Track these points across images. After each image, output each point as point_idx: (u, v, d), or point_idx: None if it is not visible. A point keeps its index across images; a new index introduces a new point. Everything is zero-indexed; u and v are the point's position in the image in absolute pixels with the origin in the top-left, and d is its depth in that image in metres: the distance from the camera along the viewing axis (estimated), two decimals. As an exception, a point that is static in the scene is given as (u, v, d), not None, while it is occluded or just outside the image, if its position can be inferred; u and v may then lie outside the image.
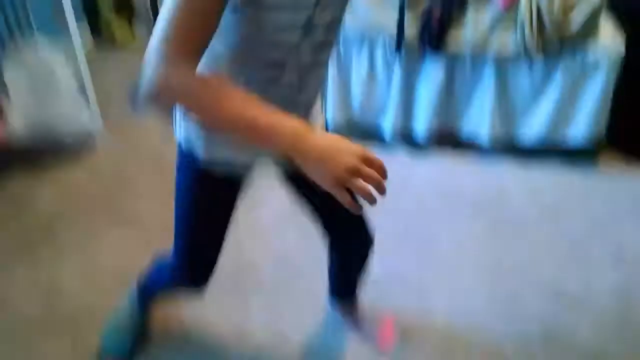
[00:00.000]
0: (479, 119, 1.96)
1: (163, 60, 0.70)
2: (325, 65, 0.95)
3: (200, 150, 0.94)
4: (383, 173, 0.70)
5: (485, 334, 1.43)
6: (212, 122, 0.74)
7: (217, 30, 0.74)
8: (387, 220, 1.78)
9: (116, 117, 2.27)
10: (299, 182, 1.10)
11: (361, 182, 0.68)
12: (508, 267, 1.62)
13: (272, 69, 0.85)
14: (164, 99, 0.73)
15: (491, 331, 1.44)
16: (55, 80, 1.96)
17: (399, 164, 2.03)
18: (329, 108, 2.04)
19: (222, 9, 0.72)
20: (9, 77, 1.89)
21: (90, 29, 2.87)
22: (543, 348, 1.39)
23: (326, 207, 1.13)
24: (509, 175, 1.97)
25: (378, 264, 1.60)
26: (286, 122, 0.70)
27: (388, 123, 2.03)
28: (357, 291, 1.39)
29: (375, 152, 0.72)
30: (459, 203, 1.86)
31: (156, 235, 1.71)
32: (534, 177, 1.96)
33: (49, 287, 1.54)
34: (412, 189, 1.92)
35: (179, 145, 0.98)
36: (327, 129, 2.07)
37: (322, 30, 0.85)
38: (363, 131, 2.10)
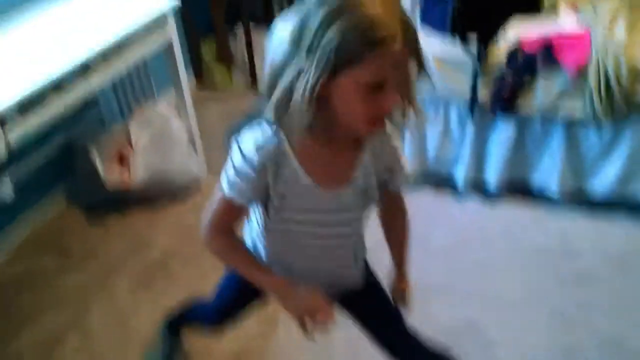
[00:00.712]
0: (549, 172, 2.08)
1: (206, 232, 1.08)
2: (354, 234, 1.15)
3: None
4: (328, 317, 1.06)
5: None
6: (233, 268, 1.18)
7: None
8: (457, 268, 1.96)
9: (218, 159, 2.58)
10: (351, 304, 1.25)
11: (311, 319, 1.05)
12: (571, 318, 1.75)
13: (294, 243, 1.12)
14: (209, 250, 1.11)
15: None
16: (171, 133, 2.30)
17: (470, 213, 2.19)
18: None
19: (246, 208, 1.06)
20: (133, 131, 2.24)
21: (194, 74, 3.24)
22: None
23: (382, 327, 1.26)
24: (578, 228, 2.07)
25: (447, 313, 1.79)
26: (269, 280, 1.10)
27: (461, 173, 2.19)
28: None
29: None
30: (528, 253, 1.99)
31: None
32: (602, 230, 2.05)
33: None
34: (483, 238, 2.07)
35: None
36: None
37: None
38: (437, 180, 2.28)
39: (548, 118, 1.98)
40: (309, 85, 0.84)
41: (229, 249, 1.11)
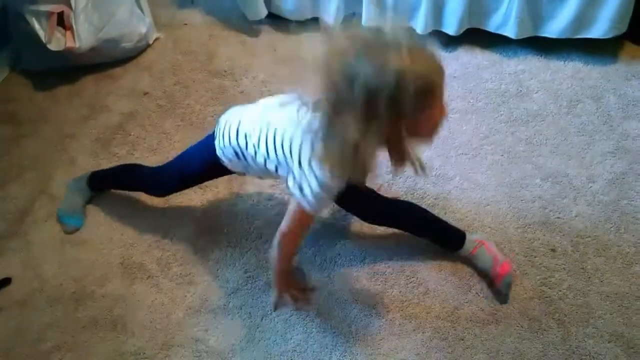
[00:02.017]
0: (507, 15, 2.06)
1: (287, 237, 1.36)
2: None
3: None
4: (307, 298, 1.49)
5: (492, 214, 1.71)
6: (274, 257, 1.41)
7: None
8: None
9: (166, 18, 2.45)
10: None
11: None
12: (518, 155, 1.85)
13: None
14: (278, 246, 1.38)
15: (497, 211, 1.72)
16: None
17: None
18: (364, 12, 2.16)
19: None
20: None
21: None
22: (541, 227, 1.67)
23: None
24: (532, 69, 2.11)
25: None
26: (284, 272, 1.44)
27: (419, 21, 2.14)
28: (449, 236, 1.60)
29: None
30: (482, 95, 2.04)
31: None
32: (555, 70, 2.10)
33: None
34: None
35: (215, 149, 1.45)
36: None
37: None
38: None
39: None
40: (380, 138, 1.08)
41: (288, 255, 1.42)
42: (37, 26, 2.04)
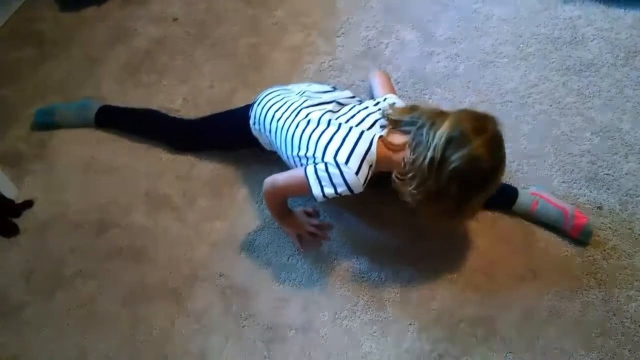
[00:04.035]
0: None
1: (272, 191, 1.40)
2: None
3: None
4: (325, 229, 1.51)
5: (536, 166, 1.61)
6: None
7: None
8: (463, 59, 1.88)
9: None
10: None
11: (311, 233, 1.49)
12: (568, 106, 1.73)
13: None
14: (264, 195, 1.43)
15: (542, 163, 1.62)
16: None
17: (480, 2, 2.04)
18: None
19: None
20: None
21: None
22: (588, 183, 1.57)
23: None
24: (589, 16, 1.95)
25: (451, 103, 1.76)
26: (280, 213, 1.48)
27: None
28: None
29: None
30: (534, 40, 1.90)
31: (244, 67, 1.90)
32: (613, 19, 1.94)
33: (158, 107, 1.80)
34: (489, 28, 1.96)
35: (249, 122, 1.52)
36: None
37: None
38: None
39: None
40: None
41: (282, 204, 1.45)
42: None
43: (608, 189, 1.56)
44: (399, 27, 1.98)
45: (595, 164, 1.61)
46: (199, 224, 1.57)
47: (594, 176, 1.59)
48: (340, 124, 1.33)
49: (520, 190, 1.51)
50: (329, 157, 1.28)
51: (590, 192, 1.56)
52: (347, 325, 1.39)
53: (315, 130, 1.34)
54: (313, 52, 1.93)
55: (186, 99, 1.84)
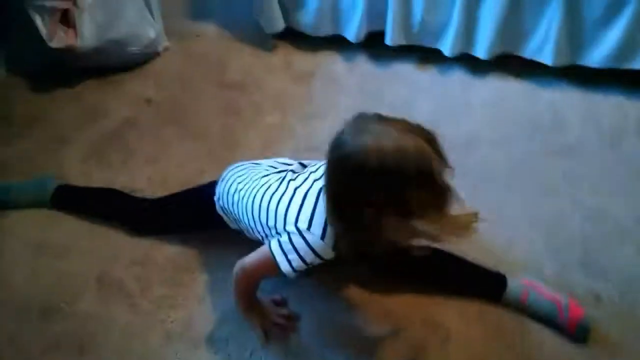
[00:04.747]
0: (544, 40, 1.88)
1: (241, 275, 1.25)
2: None
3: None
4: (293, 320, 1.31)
5: (525, 251, 1.49)
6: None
7: None
8: (442, 142, 1.81)
9: (178, 27, 2.33)
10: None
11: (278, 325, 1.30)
12: (555, 189, 1.64)
13: None
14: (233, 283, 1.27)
15: (530, 248, 1.49)
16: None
17: (456, 84, 2.02)
18: (389, 27, 2.01)
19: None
20: (79, -13, 1.95)
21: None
22: (583, 270, 1.44)
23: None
24: (570, 100, 1.92)
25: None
26: (247, 304, 1.30)
27: (448, 41, 1.98)
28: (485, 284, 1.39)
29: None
30: (515, 125, 1.85)
31: (216, 147, 1.83)
32: (595, 103, 1.91)
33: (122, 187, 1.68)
34: (468, 110, 1.92)
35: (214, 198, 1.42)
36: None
37: None
38: (422, 50, 2.08)
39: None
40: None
41: (250, 292, 1.29)
42: (39, 22, 1.90)
43: (605, 277, 1.43)
44: (376, 110, 1.93)
45: (589, 249, 1.49)
46: (153, 313, 1.40)
47: (588, 263, 1.46)
48: (296, 188, 1.21)
49: (509, 279, 1.38)
50: (290, 226, 1.16)
51: (586, 279, 1.43)
52: None
53: (274, 195, 1.23)
54: (289, 133, 1.87)
55: (151, 178, 1.73)
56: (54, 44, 1.92)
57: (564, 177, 1.68)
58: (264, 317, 1.32)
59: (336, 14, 2.08)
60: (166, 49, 2.22)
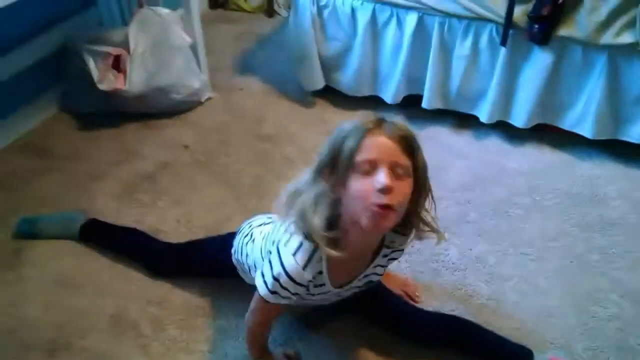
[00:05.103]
0: (584, 112, 1.87)
1: (250, 317, 1.25)
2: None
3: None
4: None
5: (557, 326, 1.40)
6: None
7: None
8: (473, 206, 1.78)
9: (223, 80, 2.42)
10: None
11: None
12: (592, 265, 1.57)
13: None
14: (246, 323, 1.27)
15: (562, 324, 1.41)
16: (173, 41, 2.11)
17: (492, 152, 2.00)
18: (426, 92, 2.03)
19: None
20: (132, 35, 2.06)
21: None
22: (617, 353, 1.34)
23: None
24: (608, 174, 1.87)
25: (458, 249, 1.62)
26: (258, 353, 1.30)
27: (485, 108, 1.98)
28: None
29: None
30: (551, 196, 1.80)
31: (245, 195, 1.83)
32: (634, 178, 1.85)
33: (147, 229, 1.69)
34: (503, 178, 1.88)
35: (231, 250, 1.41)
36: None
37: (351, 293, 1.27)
38: (459, 115, 2.09)
39: (591, 46, 1.75)
40: (332, 189, 1.03)
41: (258, 337, 1.29)
42: (92, 66, 2.02)
43: (641, 361, 1.33)
44: (409, 171, 1.92)
45: (625, 331, 1.40)
46: (163, 356, 1.36)
47: (623, 345, 1.36)
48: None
49: (536, 354, 1.29)
50: (269, 244, 1.14)
51: (621, 363, 1.33)
52: None
53: (269, 236, 1.22)
54: (318, 187, 1.86)
55: (179, 221, 1.74)
56: (103, 86, 2.01)
57: (601, 253, 1.60)
58: None
59: (375, 76, 2.12)
60: (209, 99, 2.30)
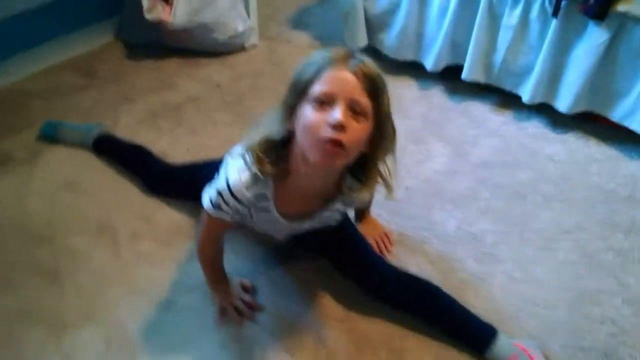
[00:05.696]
0: (638, 101, 1.66)
1: (198, 241, 1.24)
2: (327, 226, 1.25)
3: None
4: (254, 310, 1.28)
5: (539, 319, 1.27)
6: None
7: None
8: (491, 185, 1.65)
9: (272, 31, 2.41)
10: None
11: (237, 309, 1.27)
12: (604, 265, 1.40)
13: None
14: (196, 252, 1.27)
15: (547, 318, 1.27)
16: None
17: (528, 135, 1.84)
18: (468, 61, 1.90)
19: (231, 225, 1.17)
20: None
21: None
22: (600, 358, 1.19)
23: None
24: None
25: (457, 222, 1.51)
26: (213, 277, 1.29)
27: (528, 86, 1.82)
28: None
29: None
30: (580, 190, 1.62)
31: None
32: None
33: (157, 151, 1.73)
34: (535, 164, 1.72)
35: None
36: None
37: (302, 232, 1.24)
38: (499, 93, 1.94)
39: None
40: (284, 115, 1.00)
41: (208, 257, 1.26)
42: (143, -5, 2.08)
43: (627, 374, 1.17)
44: (432, 140, 1.82)
45: (617, 338, 1.24)
46: (129, 266, 1.39)
47: (612, 352, 1.21)
48: None
49: (501, 335, 1.17)
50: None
51: (601, 371, 1.17)
52: None
53: None
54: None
55: (189, 149, 1.76)
56: (150, 16, 2.07)
57: (618, 255, 1.43)
58: (227, 296, 1.27)
59: (419, 40, 2.02)
60: (254, 46, 2.30)
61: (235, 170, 1.05)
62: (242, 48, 2.27)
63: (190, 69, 2.17)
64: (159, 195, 1.58)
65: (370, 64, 0.97)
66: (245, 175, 1.04)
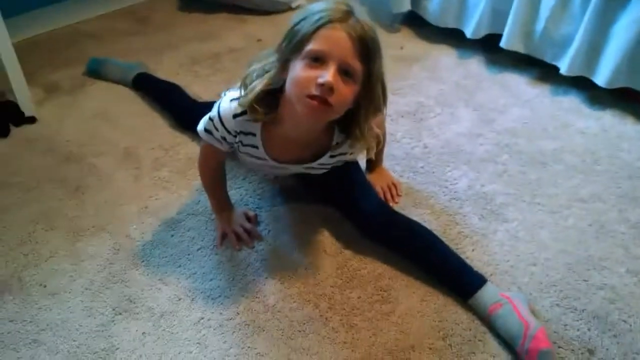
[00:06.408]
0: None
1: (198, 166, 1.31)
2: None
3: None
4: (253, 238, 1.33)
5: (534, 276, 1.25)
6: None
7: None
8: (512, 151, 1.62)
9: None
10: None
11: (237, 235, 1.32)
12: (614, 235, 1.35)
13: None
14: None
15: (542, 275, 1.25)
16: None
17: (563, 107, 1.78)
18: (507, 28, 1.86)
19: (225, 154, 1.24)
20: None
21: None
22: (592, 321, 1.16)
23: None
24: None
25: (469, 181, 1.50)
26: (216, 203, 1.35)
27: (567, 59, 1.76)
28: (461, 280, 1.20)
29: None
30: (606, 165, 1.56)
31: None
32: None
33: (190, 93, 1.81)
34: (560, 132, 1.68)
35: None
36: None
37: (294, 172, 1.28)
38: (542, 68, 1.88)
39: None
40: (278, 64, 1.03)
41: (208, 183, 1.32)
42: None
43: (616, 337, 1.13)
44: (460, 105, 1.80)
45: (615, 304, 1.19)
46: (145, 188, 1.48)
47: (605, 316, 1.17)
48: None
49: (488, 285, 1.17)
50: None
51: (590, 330, 1.14)
52: (204, 334, 1.13)
53: None
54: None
55: (220, 95, 1.83)
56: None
57: (632, 227, 1.37)
58: (229, 223, 1.32)
59: (461, 7, 1.99)
60: (299, 7, 2.34)
61: (228, 100, 1.12)
62: (289, 8, 2.32)
63: (235, 24, 2.25)
64: (187, 130, 1.66)
65: (367, 26, 0.98)
66: (236, 107, 1.10)
